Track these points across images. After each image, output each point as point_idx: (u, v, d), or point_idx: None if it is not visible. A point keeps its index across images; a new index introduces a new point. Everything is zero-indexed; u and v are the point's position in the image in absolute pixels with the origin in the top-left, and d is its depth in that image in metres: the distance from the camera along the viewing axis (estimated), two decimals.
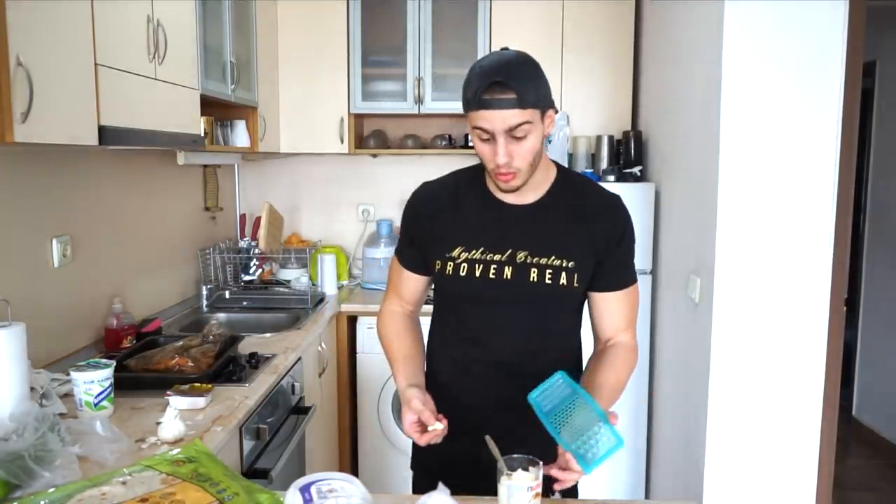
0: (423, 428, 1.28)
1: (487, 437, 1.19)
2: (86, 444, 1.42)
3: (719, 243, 2.13)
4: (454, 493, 1.14)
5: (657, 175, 2.97)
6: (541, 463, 1.15)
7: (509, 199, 1.38)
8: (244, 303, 3.10)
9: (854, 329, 4.15)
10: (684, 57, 2.54)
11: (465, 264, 1.37)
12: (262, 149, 3.04)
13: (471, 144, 1.79)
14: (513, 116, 1.22)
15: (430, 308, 1.54)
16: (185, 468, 1.33)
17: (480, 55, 3.22)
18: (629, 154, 3.13)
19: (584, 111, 3.29)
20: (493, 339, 1.40)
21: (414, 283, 1.51)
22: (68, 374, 1.70)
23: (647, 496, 3.08)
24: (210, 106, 2.56)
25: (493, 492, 1.18)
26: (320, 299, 3.09)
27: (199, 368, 1.92)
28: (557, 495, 1.32)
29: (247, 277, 3.25)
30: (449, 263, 1.38)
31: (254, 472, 1.85)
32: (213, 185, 3.23)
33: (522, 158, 1.26)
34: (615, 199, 1.43)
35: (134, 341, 2.21)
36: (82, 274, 2.16)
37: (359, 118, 3.46)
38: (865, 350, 4.16)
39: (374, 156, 3.58)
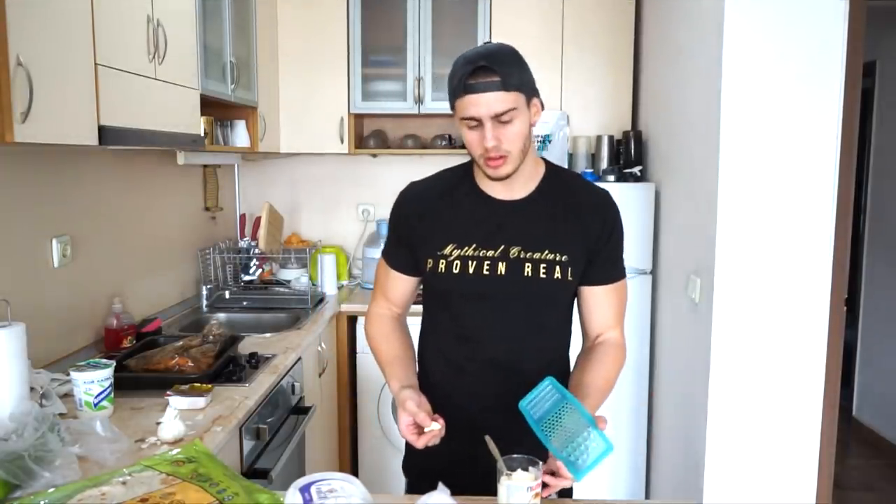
0: (420, 430, 1.26)
1: (487, 438, 1.19)
2: (86, 444, 1.42)
3: (719, 243, 2.13)
4: (451, 494, 1.14)
5: (657, 175, 2.97)
6: (540, 463, 1.15)
7: (500, 194, 1.38)
8: (244, 303, 3.10)
9: (854, 329, 4.14)
10: (684, 57, 2.54)
11: (457, 261, 1.36)
12: (262, 149, 3.04)
13: None
14: (498, 100, 1.23)
15: (418, 308, 1.52)
16: (185, 468, 1.33)
17: None
18: (629, 154, 3.13)
19: (584, 111, 3.29)
20: (487, 335, 1.40)
21: (402, 285, 1.50)
22: (68, 374, 1.70)
23: (647, 496, 3.08)
24: (210, 106, 2.56)
25: (490, 492, 1.18)
26: (320, 299, 3.09)
27: (199, 368, 1.92)
28: (553, 495, 1.32)
29: (247, 277, 3.25)
30: (441, 261, 1.38)
31: (254, 472, 1.85)
32: (213, 185, 3.23)
33: (510, 142, 1.27)
34: (605, 195, 1.44)
35: (134, 341, 2.21)
36: (82, 274, 2.16)
37: (359, 118, 3.46)
38: (865, 350, 4.16)
39: (374, 156, 3.58)
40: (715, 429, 2.19)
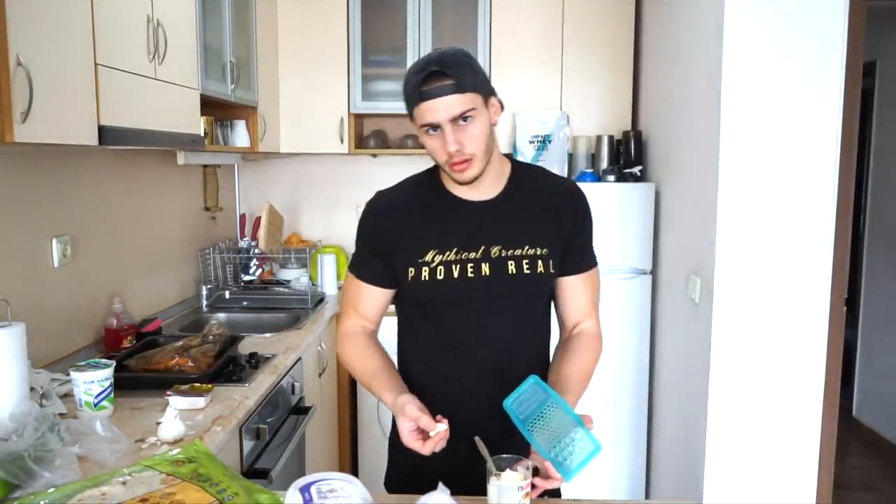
0: (424, 435, 1.23)
1: (477, 439, 1.18)
2: (86, 444, 1.42)
3: (719, 243, 2.13)
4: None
5: (657, 175, 2.97)
6: (529, 462, 1.15)
7: (471, 196, 1.37)
8: (244, 303, 3.10)
9: (854, 329, 4.14)
10: (685, 57, 2.54)
11: (441, 267, 1.34)
12: (262, 149, 3.04)
13: None
14: (455, 103, 1.22)
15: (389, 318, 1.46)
16: (185, 468, 1.33)
17: (481, 54, 3.23)
18: (629, 154, 3.13)
19: (584, 111, 3.29)
20: (473, 338, 1.38)
21: (375, 298, 1.44)
22: (68, 374, 1.70)
23: (647, 496, 3.08)
24: (210, 106, 2.56)
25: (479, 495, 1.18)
26: (320, 299, 3.09)
27: (199, 368, 1.92)
28: (546, 496, 1.31)
29: (247, 277, 3.25)
30: (424, 269, 1.34)
31: (254, 472, 1.85)
32: (213, 185, 3.23)
33: (473, 143, 1.26)
34: (572, 184, 1.46)
35: (134, 341, 2.21)
36: (82, 274, 2.16)
37: (359, 118, 3.46)
38: (865, 350, 4.16)
39: (375, 156, 3.58)
40: (715, 429, 2.19)
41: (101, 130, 1.66)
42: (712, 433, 2.20)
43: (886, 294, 3.98)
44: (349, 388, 3.18)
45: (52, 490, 1.25)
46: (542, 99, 3.28)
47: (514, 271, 1.34)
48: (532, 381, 1.24)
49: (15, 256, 1.88)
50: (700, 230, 2.32)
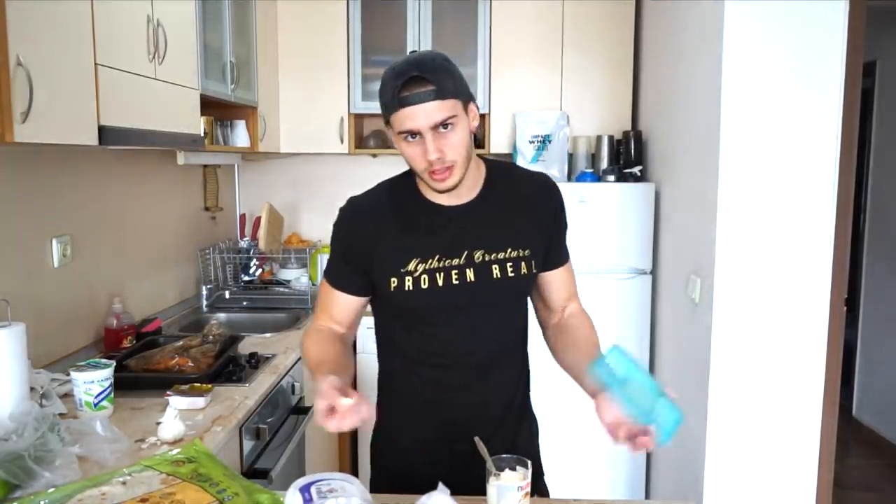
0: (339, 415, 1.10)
1: (476, 439, 1.18)
2: (86, 444, 1.42)
3: (719, 243, 2.13)
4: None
5: (657, 175, 2.97)
6: (529, 462, 1.15)
7: (449, 201, 1.33)
8: (244, 303, 3.10)
9: (854, 329, 4.14)
10: (684, 57, 2.54)
11: (425, 275, 1.30)
12: (262, 149, 3.04)
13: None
14: (435, 110, 1.18)
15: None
16: (185, 468, 1.33)
17: (480, 55, 3.23)
18: (629, 154, 3.13)
19: (584, 111, 3.29)
20: (462, 343, 1.35)
21: (348, 306, 1.39)
22: (68, 374, 1.70)
23: (647, 496, 3.08)
24: (210, 106, 2.56)
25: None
26: None
27: (199, 368, 1.93)
28: (548, 496, 1.31)
29: (247, 277, 3.25)
30: (407, 278, 1.30)
31: (254, 472, 1.85)
32: (213, 185, 3.23)
33: (454, 151, 1.22)
34: (546, 178, 1.43)
35: (134, 341, 2.21)
36: (82, 274, 2.16)
37: (359, 118, 3.46)
38: (865, 350, 4.16)
39: (375, 156, 3.58)
40: (715, 429, 2.19)
41: (101, 130, 1.66)
42: (712, 433, 2.20)
43: (886, 294, 3.98)
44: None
45: (52, 490, 1.25)
46: (542, 99, 3.28)
47: (499, 275, 1.32)
48: (615, 349, 1.18)
49: (15, 256, 1.88)
50: (700, 230, 2.32)
